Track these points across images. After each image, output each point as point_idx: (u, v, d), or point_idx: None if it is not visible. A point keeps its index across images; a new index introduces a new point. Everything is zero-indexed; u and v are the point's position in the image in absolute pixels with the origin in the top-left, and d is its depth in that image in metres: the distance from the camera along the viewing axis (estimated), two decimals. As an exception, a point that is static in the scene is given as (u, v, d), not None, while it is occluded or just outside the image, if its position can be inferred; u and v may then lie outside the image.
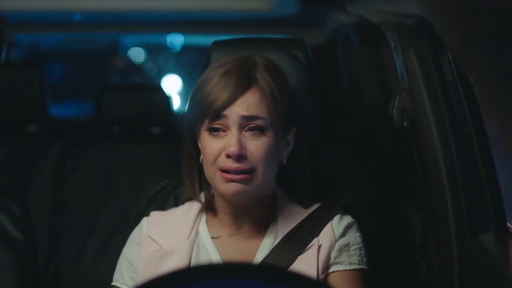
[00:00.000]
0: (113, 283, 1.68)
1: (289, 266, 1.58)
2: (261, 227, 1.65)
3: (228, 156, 1.54)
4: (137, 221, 1.74)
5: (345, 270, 1.61)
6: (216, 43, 1.89)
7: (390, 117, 1.92)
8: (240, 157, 1.54)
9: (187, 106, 1.65)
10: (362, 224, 1.68)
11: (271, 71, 1.61)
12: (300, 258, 1.59)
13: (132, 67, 6.15)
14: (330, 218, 1.64)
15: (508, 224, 1.65)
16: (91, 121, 3.13)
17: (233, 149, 1.53)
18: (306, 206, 1.68)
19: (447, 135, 1.74)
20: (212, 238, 1.65)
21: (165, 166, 2.76)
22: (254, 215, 1.64)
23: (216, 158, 1.56)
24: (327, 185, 1.83)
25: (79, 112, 4.97)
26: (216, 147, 1.56)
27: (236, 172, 1.54)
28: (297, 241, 1.61)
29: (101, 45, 5.44)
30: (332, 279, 1.61)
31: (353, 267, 1.62)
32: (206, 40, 2.85)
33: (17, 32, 3.37)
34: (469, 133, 1.70)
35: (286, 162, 1.64)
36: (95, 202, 2.81)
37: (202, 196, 1.69)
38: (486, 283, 1.55)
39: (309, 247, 1.60)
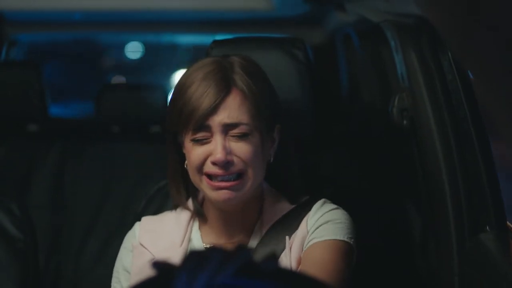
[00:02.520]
0: None
1: None
2: (250, 231, 1.62)
3: (214, 164, 1.51)
4: (136, 221, 1.74)
5: (315, 242, 1.55)
6: (215, 42, 1.89)
7: (390, 116, 1.92)
8: (227, 163, 1.51)
9: (167, 112, 1.60)
10: (362, 224, 1.67)
11: (248, 71, 1.57)
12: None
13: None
14: (308, 211, 1.60)
15: (508, 224, 1.65)
16: (91, 121, 3.13)
17: (219, 155, 1.49)
18: (293, 203, 1.64)
19: (447, 134, 1.74)
20: (205, 247, 1.62)
21: (165, 166, 2.75)
22: (245, 219, 1.62)
23: (202, 165, 1.53)
24: (326, 186, 1.83)
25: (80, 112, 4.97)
26: (200, 154, 1.52)
27: (223, 178, 1.52)
28: (276, 241, 1.58)
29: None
30: (303, 255, 1.55)
31: (324, 238, 1.55)
32: (207, 39, 2.84)
33: (17, 31, 3.36)
34: (469, 132, 1.70)
35: (274, 160, 1.61)
36: (95, 202, 2.81)
37: (190, 203, 1.66)
38: (486, 283, 1.55)
39: (283, 246, 1.57)
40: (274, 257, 0.91)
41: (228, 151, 1.51)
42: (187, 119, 1.52)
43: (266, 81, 1.61)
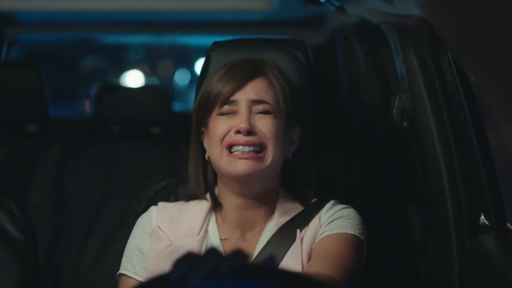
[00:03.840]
0: (122, 271, 1.67)
1: (279, 263, 1.56)
2: (263, 229, 1.65)
3: (237, 132, 1.57)
4: (145, 212, 1.74)
5: (326, 235, 1.59)
6: (216, 43, 1.89)
7: (390, 117, 1.92)
8: (249, 132, 1.57)
9: (195, 101, 1.69)
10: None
11: (278, 68, 1.68)
12: (287, 254, 1.59)
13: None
14: (319, 210, 1.64)
15: (508, 224, 1.65)
16: (91, 121, 3.13)
17: (243, 125, 1.56)
18: (305, 204, 1.68)
19: (447, 135, 1.74)
20: (221, 239, 1.64)
21: (165, 166, 2.76)
22: (259, 214, 1.64)
23: (224, 136, 1.59)
24: (326, 185, 1.83)
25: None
26: (225, 126, 1.59)
27: (244, 150, 1.56)
28: (286, 236, 1.61)
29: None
30: (314, 247, 1.58)
31: (335, 231, 1.59)
32: (207, 40, 2.84)
33: (17, 31, 3.36)
34: (469, 133, 1.70)
35: (291, 160, 1.66)
36: (95, 202, 2.81)
37: (208, 196, 1.69)
38: (486, 283, 1.55)
39: (294, 242, 1.60)
40: (271, 259, 0.91)
41: (252, 124, 1.58)
42: (216, 96, 1.61)
43: (291, 83, 1.70)
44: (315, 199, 1.69)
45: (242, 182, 1.61)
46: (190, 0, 3.06)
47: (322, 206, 1.65)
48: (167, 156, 2.81)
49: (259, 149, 1.58)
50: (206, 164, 1.68)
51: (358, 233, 1.60)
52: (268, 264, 0.92)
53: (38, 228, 2.03)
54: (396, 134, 2.02)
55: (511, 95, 1.21)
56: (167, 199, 1.88)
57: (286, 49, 1.88)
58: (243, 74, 1.62)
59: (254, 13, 3.09)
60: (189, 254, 0.91)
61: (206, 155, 1.66)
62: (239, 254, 0.91)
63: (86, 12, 3.13)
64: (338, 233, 1.59)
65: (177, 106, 4.73)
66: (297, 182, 1.70)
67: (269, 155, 1.58)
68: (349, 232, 1.59)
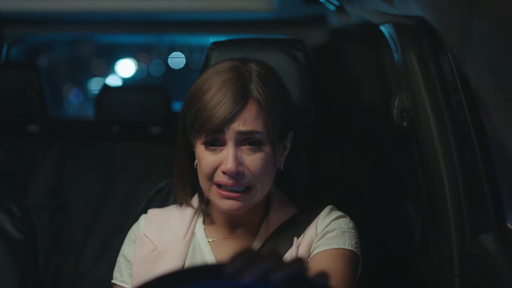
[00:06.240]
0: (113, 281, 1.68)
1: None
2: (255, 230, 1.64)
3: (224, 173, 1.51)
4: (136, 221, 1.74)
5: (324, 250, 1.55)
6: (215, 43, 1.89)
7: (390, 117, 1.92)
8: (237, 174, 1.51)
9: (181, 113, 1.61)
10: (362, 224, 1.67)
11: (265, 81, 1.56)
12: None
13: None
14: (315, 216, 1.62)
15: (508, 224, 1.65)
16: (91, 122, 3.14)
17: (230, 166, 1.50)
18: (299, 206, 1.67)
19: (447, 135, 1.74)
20: (208, 241, 1.64)
21: (165, 166, 2.76)
22: (250, 220, 1.64)
23: (213, 173, 1.53)
24: (325, 185, 1.83)
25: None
26: (212, 162, 1.53)
27: (232, 189, 1.52)
28: (282, 241, 1.59)
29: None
30: (311, 262, 1.55)
31: (333, 246, 1.56)
32: (208, 40, 2.84)
33: (17, 31, 3.37)
34: (469, 133, 1.70)
35: (284, 165, 1.62)
36: (95, 202, 2.81)
37: (194, 201, 1.68)
38: (486, 283, 1.55)
39: (290, 247, 1.58)
40: (324, 276, 0.90)
41: (239, 162, 1.51)
42: (201, 125, 1.52)
43: (282, 89, 1.61)
44: (309, 200, 1.67)
45: (230, 213, 1.59)
46: (190, 0, 3.07)
47: (318, 212, 1.62)
48: (167, 156, 2.80)
49: (247, 188, 1.53)
50: (193, 171, 1.62)
51: (354, 247, 1.57)
52: (321, 280, 0.91)
53: (38, 228, 2.03)
54: (396, 135, 2.02)
55: (511, 95, 1.21)
56: (166, 199, 1.88)
57: (286, 49, 1.88)
58: (231, 102, 1.50)
59: (255, 13, 3.10)
60: (248, 250, 0.91)
61: (195, 162, 1.60)
62: (296, 263, 0.90)
63: (86, 12, 3.13)
64: (334, 248, 1.55)
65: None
66: (290, 182, 1.68)
67: (258, 191, 1.54)
68: (347, 247, 1.56)
